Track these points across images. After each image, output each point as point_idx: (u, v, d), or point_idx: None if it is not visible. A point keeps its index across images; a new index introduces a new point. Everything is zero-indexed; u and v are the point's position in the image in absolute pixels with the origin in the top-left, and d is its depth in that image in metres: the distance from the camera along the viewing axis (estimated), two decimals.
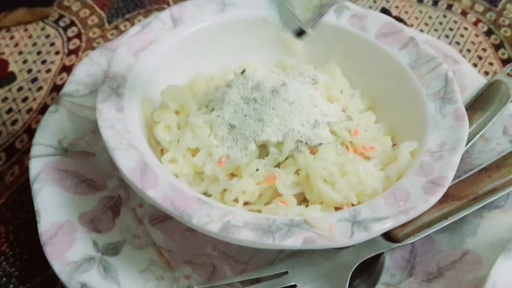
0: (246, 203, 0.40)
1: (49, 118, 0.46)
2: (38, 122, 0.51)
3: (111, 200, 0.43)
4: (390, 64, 0.46)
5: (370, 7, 0.66)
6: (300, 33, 0.34)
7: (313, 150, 0.40)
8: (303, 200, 0.40)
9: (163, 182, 0.37)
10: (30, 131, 0.51)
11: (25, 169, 0.47)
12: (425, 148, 0.40)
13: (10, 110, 0.53)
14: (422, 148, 0.40)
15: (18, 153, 0.49)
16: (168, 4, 0.65)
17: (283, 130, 0.40)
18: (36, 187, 0.41)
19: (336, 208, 0.39)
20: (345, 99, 0.45)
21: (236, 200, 0.39)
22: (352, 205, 0.38)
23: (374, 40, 0.47)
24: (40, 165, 0.42)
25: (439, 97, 0.43)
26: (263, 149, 0.41)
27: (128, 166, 0.37)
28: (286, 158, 0.40)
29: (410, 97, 0.44)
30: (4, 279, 0.40)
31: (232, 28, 0.49)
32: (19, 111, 0.53)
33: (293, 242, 0.34)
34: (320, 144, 0.40)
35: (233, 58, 0.49)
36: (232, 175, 0.41)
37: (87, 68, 0.49)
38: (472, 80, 0.50)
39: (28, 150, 0.48)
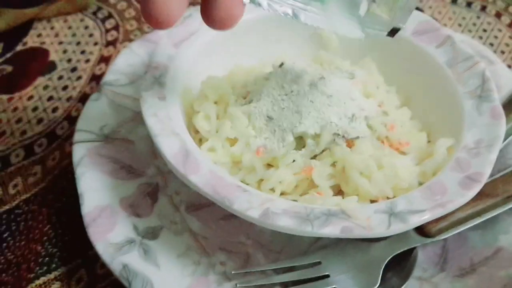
0: (282, 193, 0.40)
1: (91, 106, 0.47)
2: (77, 110, 0.53)
3: (149, 187, 0.44)
4: (427, 61, 0.46)
5: None
6: (393, 32, 0.34)
7: (350, 143, 0.41)
8: (338, 192, 0.41)
9: (204, 169, 0.38)
10: (70, 118, 0.52)
11: (66, 155, 0.49)
12: (461, 145, 0.40)
13: (51, 98, 0.54)
14: (458, 144, 0.40)
15: (59, 139, 0.50)
16: None
17: (321, 123, 0.41)
18: (79, 171, 0.42)
19: (372, 201, 0.39)
20: (381, 95, 0.46)
21: (273, 190, 0.40)
22: (388, 198, 0.39)
23: (410, 38, 0.48)
24: (83, 150, 0.44)
25: (476, 95, 0.43)
26: (300, 141, 0.42)
27: (171, 152, 0.38)
28: (323, 150, 0.41)
29: (446, 95, 0.45)
30: (47, 258, 0.42)
31: (269, 22, 0.50)
32: (60, 99, 0.54)
33: (331, 230, 0.34)
34: (357, 137, 0.41)
35: (270, 51, 0.49)
36: (269, 165, 0.42)
37: (127, 58, 0.51)
38: (507, 80, 0.50)
39: (68, 137, 0.50)
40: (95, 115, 0.46)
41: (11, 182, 0.47)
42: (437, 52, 0.46)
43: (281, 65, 0.45)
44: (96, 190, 0.42)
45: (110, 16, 0.63)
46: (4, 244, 0.43)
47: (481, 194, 0.40)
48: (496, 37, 0.63)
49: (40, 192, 0.46)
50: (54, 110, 0.53)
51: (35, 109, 0.53)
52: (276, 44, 0.50)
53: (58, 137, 0.51)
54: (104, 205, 0.41)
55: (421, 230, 0.40)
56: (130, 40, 0.60)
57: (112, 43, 0.60)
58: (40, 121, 0.52)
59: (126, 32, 0.62)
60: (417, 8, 0.66)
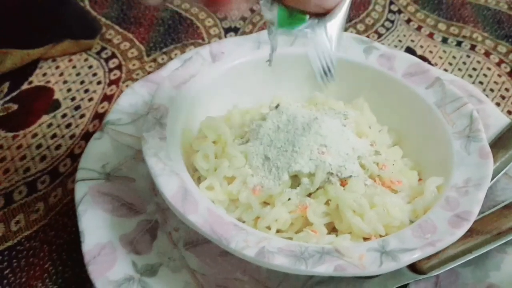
0: (278, 231, 0.42)
1: (94, 144, 0.49)
2: (80, 147, 0.55)
3: (149, 224, 0.45)
4: (417, 102, 0.48)
5: (396, 46, 0.69)
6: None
7: (343, 182, 0.42)
8: (332, 229, 0.42)
9: (202, 208, 0.39)
10: (72, 156, 0.54)
11: (68, 192, 0.50)
12: (450, 184, 0.42)
13: (54, 136, 0.56)
14: (447, 183, 0.42)
15: (61, 176, 0.52)
16: (203, 39, 0.69)
17: (315, 162, 0.42)
18: (81, 209, 0.43)
19: (364, 239, 0.41)
20: (373, 134, 0.47)
21: (269, 228, 0.41)
22: (380, 236, 0.40)
23: (401, 79, 0.50)
24: (85, 188, 0.45)
25: (464, 135, 0.45)
26: (295, 179, 0.43)
27: (170, 191, 0.39)
28: (317, 189, 0.42)
29: (436, 134, 0.46)
30: None
31: (266, 64, 0.52)
32: (63, 136, 0.56)
33: (325, 269, 0.35)
34: (350, 176, 0.42)
35: (267, 92, 0.52)
36: (265, 203, 0.43)
37: (129, 98, 0.52)
38: (495, 119, 0.52)
39: (70, 174, 0.52)
40: (97, 154, 0.48)
41: (13, 218, 0.48)
42: (426, 93, 0.48)
43: (277, 106, 0.47)
44: (97, 227, 0.43)
45: (113, 56, 0.66)
46: (5, 281, 0.44)
47: (471, 231, 0.41)
48: (485, 75, 0.65)
49: (42, 228, 0.47)
50: (57, 147, 0.55)
51: (39, 146, 0.55)
52: (273, 85, 0.52)
53: (60, 174, 0.52)
54: (104, 242, 0.42)
55: (414, 267, 0.41)
56: (133, 79, 0.62)
57: (115, 82, 0.62)
58: (43, 158, 0.54)
59: (128, 71, 0.64)
60: (409, 48, 0.68)
